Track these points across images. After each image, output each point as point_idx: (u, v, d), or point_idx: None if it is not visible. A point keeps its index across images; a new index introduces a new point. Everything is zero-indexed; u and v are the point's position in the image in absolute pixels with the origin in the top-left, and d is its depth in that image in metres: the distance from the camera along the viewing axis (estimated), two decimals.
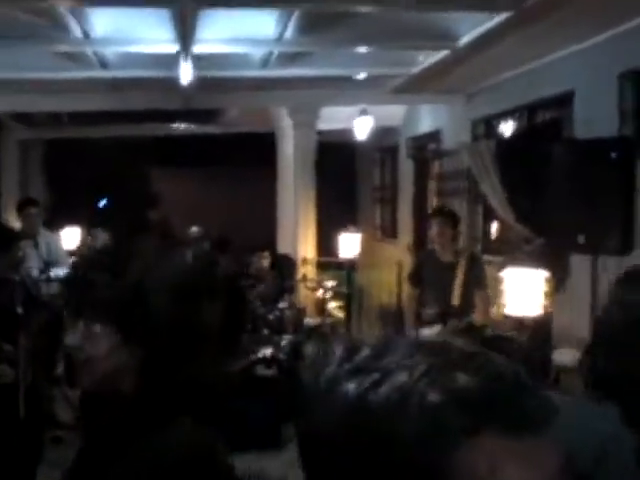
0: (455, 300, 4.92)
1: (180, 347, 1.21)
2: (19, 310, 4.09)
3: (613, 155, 4.61)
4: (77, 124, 10.04)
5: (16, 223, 6.59)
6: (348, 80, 7.15)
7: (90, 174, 13.13)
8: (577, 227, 4.65)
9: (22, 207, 6.38)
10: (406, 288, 5.58)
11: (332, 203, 10.25)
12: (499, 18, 4.72)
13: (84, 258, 1.42)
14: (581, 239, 4.58)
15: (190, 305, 1.22)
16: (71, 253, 8.45)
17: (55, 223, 9.68)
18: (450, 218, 5.22)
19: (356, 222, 11.31)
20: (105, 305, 1.21)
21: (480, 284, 5.08)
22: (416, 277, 5.31)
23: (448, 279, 5.00)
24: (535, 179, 5.44)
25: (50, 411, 5.93)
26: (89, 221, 10.12)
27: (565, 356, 5.01)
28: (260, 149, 11.23)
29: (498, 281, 4.59)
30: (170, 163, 15.53)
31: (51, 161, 12.04)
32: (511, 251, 6.82)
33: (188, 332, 1.22)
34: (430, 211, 5.54)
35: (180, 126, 10.29)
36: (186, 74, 5.76)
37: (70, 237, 9.26)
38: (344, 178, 12.02)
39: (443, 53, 5.83)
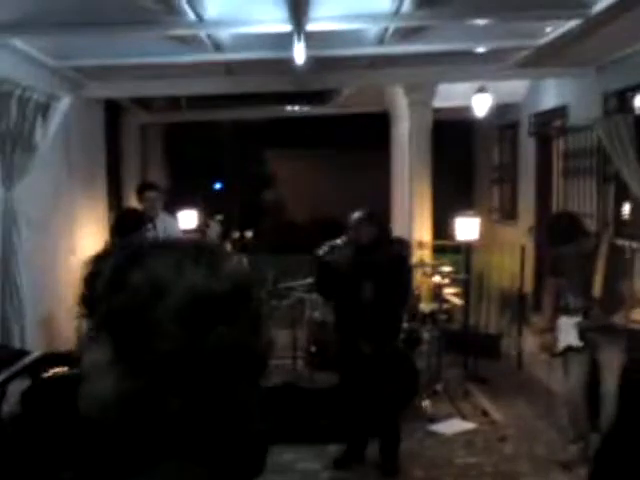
0: (596, 291, 4.56)
1: (185, 377, 0.97)
2: None
3: None
4: (194, 108, 10.18)
5: (137, 206, 6.75)
6: (466, 55, 6.78)
7: (207, 157, 13.39)
8: None
9: (142, 190, 6.51)
10: (547, 276, 5.26)
11: (448, 184, 9.92)
12: None
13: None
14: None
15: (204, 327, 0.97)
16: (187, 234, 8.63)
17: (174, 206, 9.92)
18: (570, 235, 4.76)
19: (473, 203, 10.92)
20: (103, 311, 0.99)
21: (625, 273, 4.69)
22: (554, 268, 4.99)
23: (590, 268, 4.64)
24: None
25: None
26: (206, 205, 10.29)
27: None
28: (374, 130, 11.03)
29: None
30: (284, 145, 15.60)
31: (170, 145, 12.33)
32: None
33: (197, 359, 0.97)
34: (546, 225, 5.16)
35: (294, 108, 10.21)
36: (300, 54, 5.61)
37: (187, 220, 9.44)
38: (461, 157, 11.61)
39: (574, 22, 5.37)
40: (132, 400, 0.96)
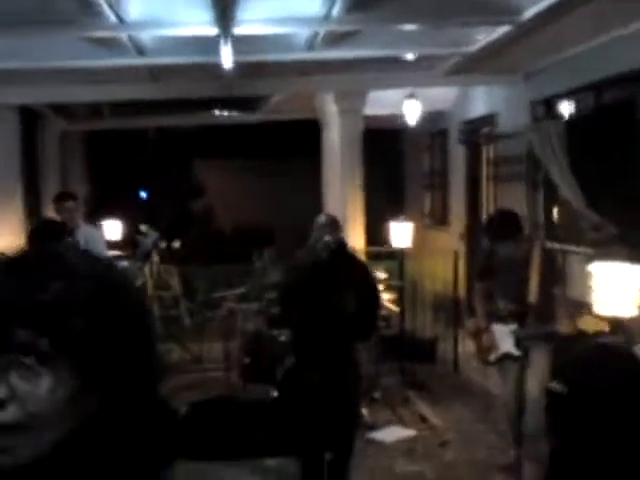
0: (531, 297, 4.46)
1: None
2: None
3: None
4: (117, 115, 9.83)
5: (55, 217, 6.40)
6: (397, 62, 6.72)
7: (132, 166, 13.01)
8: None
9: (59, 200, 6.14)
10: (474, 284, 5.15)
11: (380, 191, 9.89)
12: None
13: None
14: None
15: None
16: (111, 246, 8.29)
17: (96, 216, 9.53)
18: (521, 234, 4.68)
19: (405, 210, 10.93)
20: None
21: (559, 276, 4.63)
22: (484, 271, 4.90)
23: (522, 273, 4.54)
24: (609, 162, 4.98)
25: None
26: (133, 215, 9.96)
27: None
28: (305, 138, 10.92)
29: (583, 276, 4.15)
30: (212, 154, 15.33)
31: (92, 153, 11.91)
32: (576, 239, 6.37)
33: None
34: (490, 220, 4.99)
35: (222, 114, 9.98)
36: (227, 58, 5.42)
37: (111, 230, 9.09)
38: (392, 165, 11.62)
39: (503, 29, 5.36)
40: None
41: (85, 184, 11.56)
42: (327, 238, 4.70)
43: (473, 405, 6.13)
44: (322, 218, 4.91)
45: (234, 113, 10.10)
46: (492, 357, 4.70)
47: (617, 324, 4.12)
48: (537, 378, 4.49)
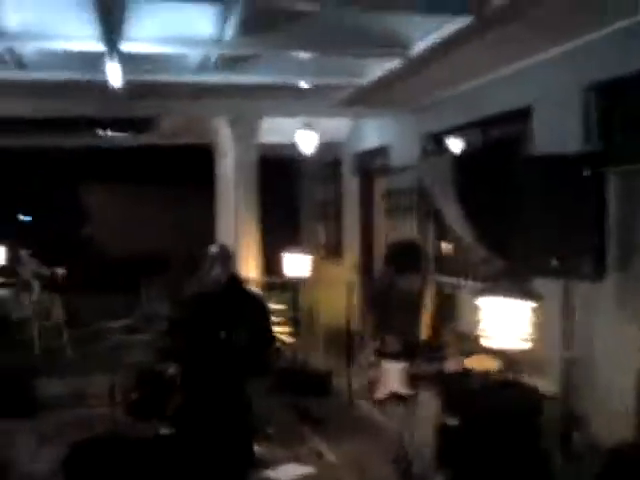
0: (424, 333, 4.42)
1: None
2: None
3: (582, 172, 4.26)
4: None
5: None
6: (292, 90, 6.69)
7: (14, 188, 12.35)
8: (548, 249, 4.29)
9: None
10: (364, 316, 5.01)
11: (275, 221, 9.77)
12: (459, 23, 4.32)
13: None
14: (553, 262, 4.21)
15: None
16: None
17: None
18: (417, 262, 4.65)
19: (300, 240, 10.86)
20: None
21: (450, 316, 4.60)
22: (373, 303, 4.82)
23: (414, 309, 4.49)
24: (497, 197, 5.08)
25: None
26: (13, 240, 9.38)
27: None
28: (198, 163, 10.71)
29: (473, 310, 4.15)
30: (102, 178, 14.79)
31: None
32: (466, 273, 6.46)
33: None
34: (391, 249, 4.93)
35: (109, 135, 9.60)
36: (114, 76, 5.18)
37: None
38: (288, 195, 11.56)
39: (394, 63, 5.42)
40: None
41: None
42: (217, 271, 4.54)
43: (368, 440, 6.02)
44: (213, 249, 4.75)
45: (122, 134, 9.75)
46: (379, 394, 4.59)
47: (505, 359, 4.15)
48: (426, 423, 4.43)
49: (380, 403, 4.61)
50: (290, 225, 11.54)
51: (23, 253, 8.60)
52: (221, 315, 4.56)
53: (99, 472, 4.73)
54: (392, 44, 4.98)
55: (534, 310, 4.05)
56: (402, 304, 4.55)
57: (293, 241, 8.98)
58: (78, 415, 6.49)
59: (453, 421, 4.78)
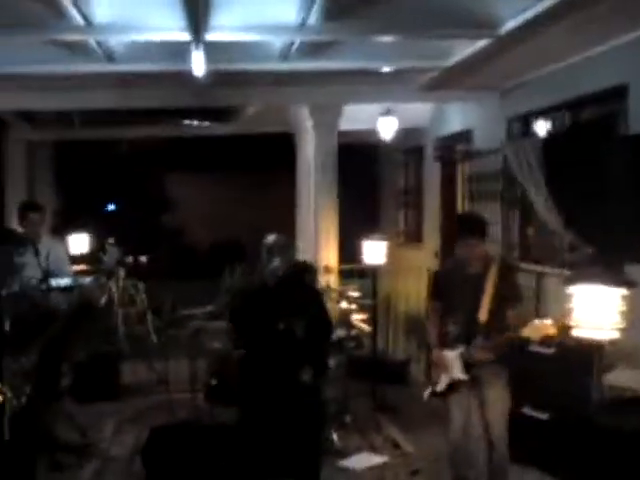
0: (482, 316, 4.22)
1: None
2: (6, 326, 3.62)
3: None
4: (87, 125, 9.58)
5: (18, 228, 6.15)
6: (373, 75, 6.62)
7: (102, 178, 12.74)
8: None
9: (23, 211, 5.88)
10: (427, 305, 4.86)
11: (354, 207, 9.75)
12: (550, 1, 4.15)
13: None
14: None
15: None
16: (78, 260, 8.04)
17: (63, 228, 9.26)
18: (481, 231, 4.44)
19: (379, 227, 10.81)
20: None
21: (514, 298, 4.36)
22: (437, 292, 4.61)
23: (475, 293, 4.30)
24: (588, 180, 4.88)
25: (50, 432, 5.48)
26: (101, 228, 9.70)
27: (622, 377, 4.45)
28: (279, 151, 10.78)
29: (561, 297, 4.01)
30: (185, 167, 15.10)
31: (60, 163, 11.61)
32: (552, 260, 6.26)
33: None
34: (459, 228, 4.72)
35: (196, 124, 9.77)
36: (199, 66, 5.25)
37: (78, 243, 8.85)
38: (367, 181, 11.50)
39: (481, 43, 5.27)
40: None
41: (53, 195, 11.27)
42: (275, 263, 4.55)
43: (446, 432, 5.95)
44: (270, 240, 4.73)
45: (207, 124, 9.92)
46: (438, 388, 4.41)
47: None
48: (500, 421, 4.29)
49: (443, 395, 4.43)
50: (370, 212, 11.50)
51: (107, 242, 8.87)
52: (279, 307, 4.57)
53: (176, 457, 4.83)
54: (479, 24, 4.83)
55: (627, 298, 3.88)
56: (465, 287, 4.36)
57: (372, 228, 8.95)
58: (160, 400, 6.69)
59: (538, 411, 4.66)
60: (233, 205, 14.69)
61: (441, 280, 4.62)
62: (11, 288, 3.86)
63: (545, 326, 3.96)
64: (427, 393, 4.45)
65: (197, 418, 5.95)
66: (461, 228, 4.47)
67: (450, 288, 4.44)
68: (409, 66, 6.20)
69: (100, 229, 9.55)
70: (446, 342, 4.38)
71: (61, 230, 8.86)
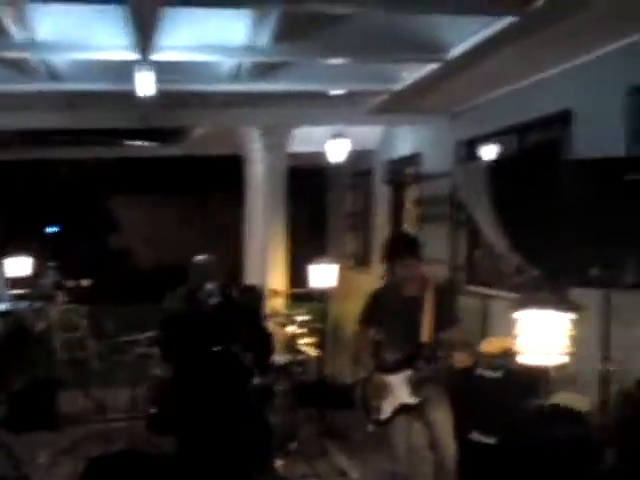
0: (425, 338, 4.16)
1: None
2: None
3: (626, 177, 4.11)
4: (27, 145, 9.29)
5: None
6: (323, 98, 6.62)
7: (44, 199, 12.41)
8: (589, 258, 4.14)
9: None
10: (356, 330, 4.51)
11: (302, 230, 9.69)
12: (500, 24, 4.21)
13: None
14: (594, 272, 4.06)
15: None
16: (18, 283, 7.75)
17: (3, 251, 8.92)
18: (419, 253, 4.34)
19: (328, 250, 10.77)
20: None
21: (453, 319, 4.31)
22: (369, 316, 4.40)
23: (414, 316, 4.23)
24: (533, 204, 4.94)
25: None
26: (40, 251, 9.38)
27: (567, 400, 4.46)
28: (226, 174, 10.68)
29: (510, 323, 4.01)
30: (130, 189, 14.87)
31: (0, 184, 11.24)
32: (499, 283, 6.31)
33: None
34: (389, 239, 4.64)
35: (140, 145, 9.58)
36: (146, 86, 5.13)
37: (17, 266, 8.53)
38: (315, 204, 11.47)
39: (430, 67, 5.32)
40: None
41: None
42: (209, 286, 4.42)
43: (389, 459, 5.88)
44: (200, 260, 4.60)
45: (153, 145, 9.75)
46: (382, 415, 4.29)
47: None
48: (448, 426, 4.23)
49: (389, 422, 4.32)
50: (318, 235, 11.45)
51: (47, 265, 8.60)
52: (214, 330, 4.44)
53: None
54: (428, 49, 4.87)
55: (573, 322, 3.90)
56: (402, 312, 4.29)
57: (321, 251, 8.89)
58: (98, 429, 6.47)
59: (486, 436, 4.62)
60: (178, 229, 14.49)
61: (374, 304, 4.48)
62: None
63: (504, 340, 3.94)
64: (370, 424, 4.32)
65: (135, 448, 5.73)
66: (400, 249, 4.35)
67: (386, 311, 4.34)
68: (359, 89, 6.23)
69: (42, 252, 9.24)
70: (383, 367, 4.27)
71: (2, 252, 8.53)
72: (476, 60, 4.91)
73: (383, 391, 4.21)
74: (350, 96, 6.50)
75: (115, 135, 8.95)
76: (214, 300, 4.46)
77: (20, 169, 11.43)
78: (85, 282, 8.59)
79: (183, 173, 13.01)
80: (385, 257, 4.34)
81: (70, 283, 8.46)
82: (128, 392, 6.06)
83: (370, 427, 4.30)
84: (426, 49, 4.89)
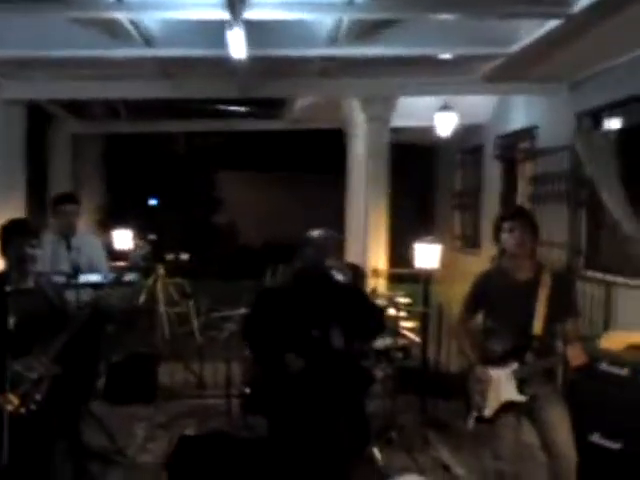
0: (536, 330, 3.65)
1: None
2: (10, 325, 3.27)
3: None
4: (134, 118, 9.36)
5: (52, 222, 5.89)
6: (430, 65, 6.15)
7: (151, 175, 12.58)
8: None
9: (57, 203, 5.59)
10: (461, 316, 4.02)
11: (407, 209, 9.30)
12: None
13: None
14: None
15: None
16: (118, 257, 7.77)
17: (109, 224, 9.05)
18: (531, 222, 3.80)
19: (433, 230, 10.30)
20: None
21: (571, 309, 3.78)
22: (475, 301, 3.92)
23: (526, 303, 3.73)
24: None
25: (76, 436, 5.18)
26: (143, 225, 9.46)
27: None
28: (329, 150, 10.43)
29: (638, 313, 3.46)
30: (236, 167, 14.93)
31: (109, 158, 11.46)
32: (625, 267, 5.66)
33: None
34: (503, 214, 4.06)
35: (243, 119, 9.46)
36: (238, 47, 4.85)
37: (122, 239, 8.60)
38: (420, 182, 11.00)
39: (551, 24, 4.74)
40: None
41: (100, 191, 11.12)
42: (323, 262, 4.07)
43: (494, 456, 5.38)
44: (315, 235, 4.23)
45: (256, 120, 9.60)
46: (487, 412, 3.81)
47: None
48: (569, 437, 3.71)
49: (494, 419, 3.84)
50: (422, 215, 11.00)
51: (149, 237, 8.60)
52: (313, 311, 4.08)
53: (202, 470, 4.45)
54: (549, 1, 4.31)
55: None
56: (512, 292, 3.77)
57: (425, 231, 8.46)
58: (195, 404, 6.33)
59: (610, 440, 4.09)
60: (281, 204, 14.42)
61: (482, 287, 4.00)
62: (22, 283, 3.50)
63: (626, 335, 3.39)
64: (472, 420, 3.86)
65: (229, 428, 5.56)
66: (513, 221, 3.83)
67: (495, 296, 3.87)
68: (470, 53, 5.69)
69: (144, 224, 9.31)
70: (488, 358, 3.81)
71: (108, 225, 8.64)
72: (604, 15, 4.30)
73: (486, 385, 3.75)
74: (459, 62, 5.99)
75: (217, 110, 8.85)
76: (326, 277, 4.09)
77: (129, 144, 11.61)
78: (185, 256, 8.58)
79: (286, 150, 12.87)
80: (495, 233, 3.85)
81: (170, 256, 8.47)
82: (223, 369, 5.90)
83: (471, 423, 3.85)
84: (546, 2, 4.32)
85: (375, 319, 4.39)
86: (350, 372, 4.21)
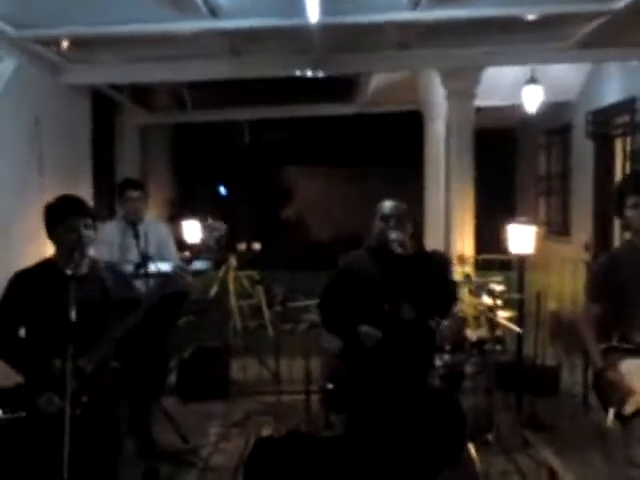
0: None
1: None
2: (72, 315, 2.91)
3: None
4: (201, 107, 9.12)
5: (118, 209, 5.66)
6: (516, 31, 5.63)
7: (220, 165, 12.45)
8: None
9: (122, 189, 5.34)
10: (583, 304, 3.68)
11: (488, 194, 8.74)
12: None
13: None
14: None
15: None
16: (188, 247, 7.51)
17: (179, 215, 8.84)
18: None
19: (515, 217, 9.70)
20: None
21: None
22: (602, 288, 3.41)
23: None
24: None
25: (147, 436, 4.89)
26: (212, 215, 9.23)
27: None
28: (399, 139, 10.03)
29: None
30: (306, 161, 14.74)
31: (177, 149, 11.31)
32: None
33: None
34: (623, 187, 3.50)
35: (315, 105, 9.09)
36: (313, 12, 4.45)
37: (191, 230, 8.37)
38: (502, 166, 10.42)
39: None
40: None
41: (168, 181, 10.98)
42: (394, 235, 3.78)
43: (614, 458, 4.78)
44: (386, 206, 3.97)
45: (328, 105, 9.22)
46: (627, 410, 3.30)
47: None
48: None
49: (634, 417, 3.32)
50: (504, 200, 10.43)
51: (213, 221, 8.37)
52: (385, 285, 3.81)
53: (282, 475, 4.10)
54: None
55: None
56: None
57: (507, 218, 7.94)
58: (271, 401, 6.00)
59: None
60: (352, 195, 14.10)
61: (610, 271, 3.45)
62: (76, 268, 3.07)
63: None
64: (611, 417, 3.34)
65: (309, 427, 5.17)
66: (631, 186, 3.31)
67: (623, 281, 3.33)
68: (562, 11, 5.11)
69: (214, 216, 9.10)
70: (625, 351, 3.30)
71: (177, 216, 8.44)
72: None
73: (622, 379, 3.24)
74: (549, 25, 5.43)
75: (288, 94, 8.52)
76: (399, 251, 3.79)
77: (197, 135, 11.45)
78: (257, 245, 8.32)
79: (355, 142, 12.59)
80: (617, 209, 3.34)
81: (242, 246, 8.21)
82: (301, 363, 5.52)
83: (610, 421, 3.32)
84: None
85: (449, 292, 4.11)
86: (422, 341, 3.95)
